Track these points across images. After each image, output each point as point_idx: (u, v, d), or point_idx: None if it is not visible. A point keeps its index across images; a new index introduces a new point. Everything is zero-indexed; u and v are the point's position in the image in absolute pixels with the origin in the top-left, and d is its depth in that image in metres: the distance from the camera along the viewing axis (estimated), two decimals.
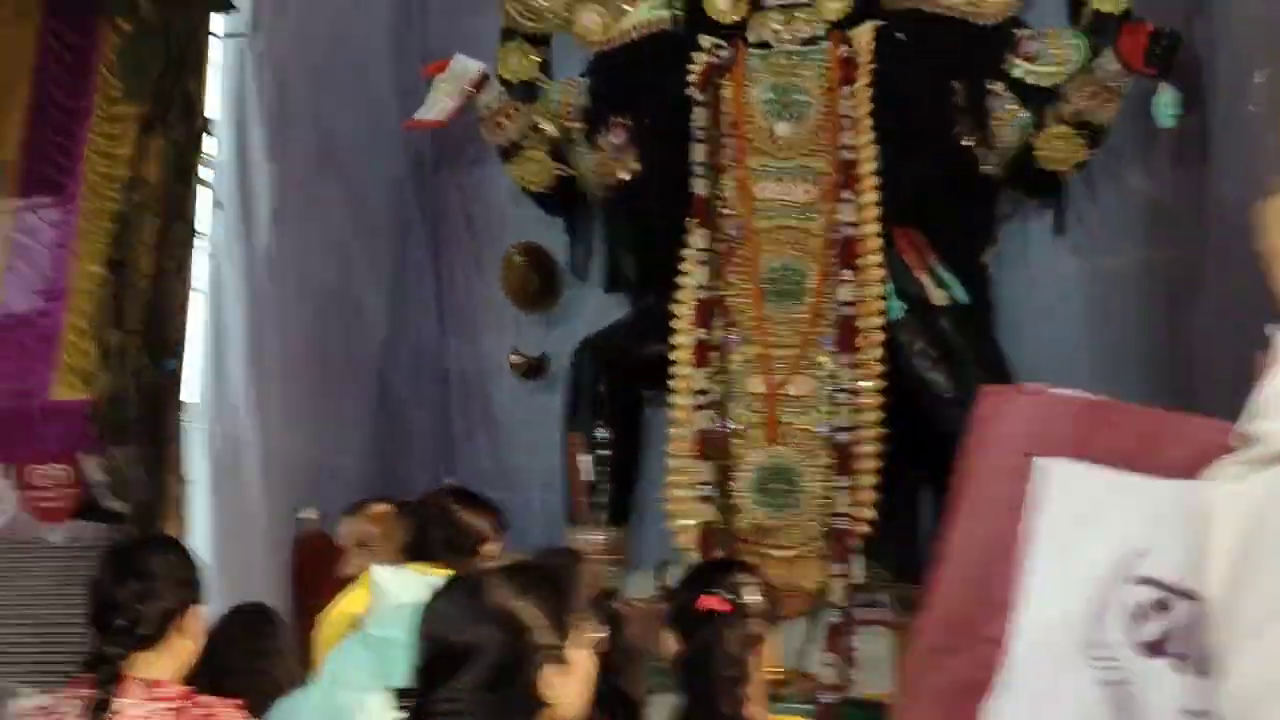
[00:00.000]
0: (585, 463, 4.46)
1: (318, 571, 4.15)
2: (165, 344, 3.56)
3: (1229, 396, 4.42)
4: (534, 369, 5.12)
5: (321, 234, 4.51)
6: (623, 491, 4.62)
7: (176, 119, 3.62)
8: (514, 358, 5.14)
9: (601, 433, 4.62)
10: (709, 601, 1.93)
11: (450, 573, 2.37)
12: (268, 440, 3.98)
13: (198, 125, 3.70)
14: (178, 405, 3.53)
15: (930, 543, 4.41)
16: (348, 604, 2.69)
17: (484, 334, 5.63)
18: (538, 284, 5.12)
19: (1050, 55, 4.62)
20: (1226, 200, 4.39)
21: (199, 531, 3.55)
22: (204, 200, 3.74)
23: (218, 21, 3.79)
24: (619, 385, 4.69)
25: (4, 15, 3.84)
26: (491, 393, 5.60)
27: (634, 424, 4.75)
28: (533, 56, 4.99)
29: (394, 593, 2.33)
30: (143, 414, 3.48)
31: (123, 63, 3.67)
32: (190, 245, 3.64)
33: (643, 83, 4.85)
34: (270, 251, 4.11)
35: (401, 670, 1.99)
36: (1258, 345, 4.49)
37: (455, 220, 5.73)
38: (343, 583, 4.11)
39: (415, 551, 2.63)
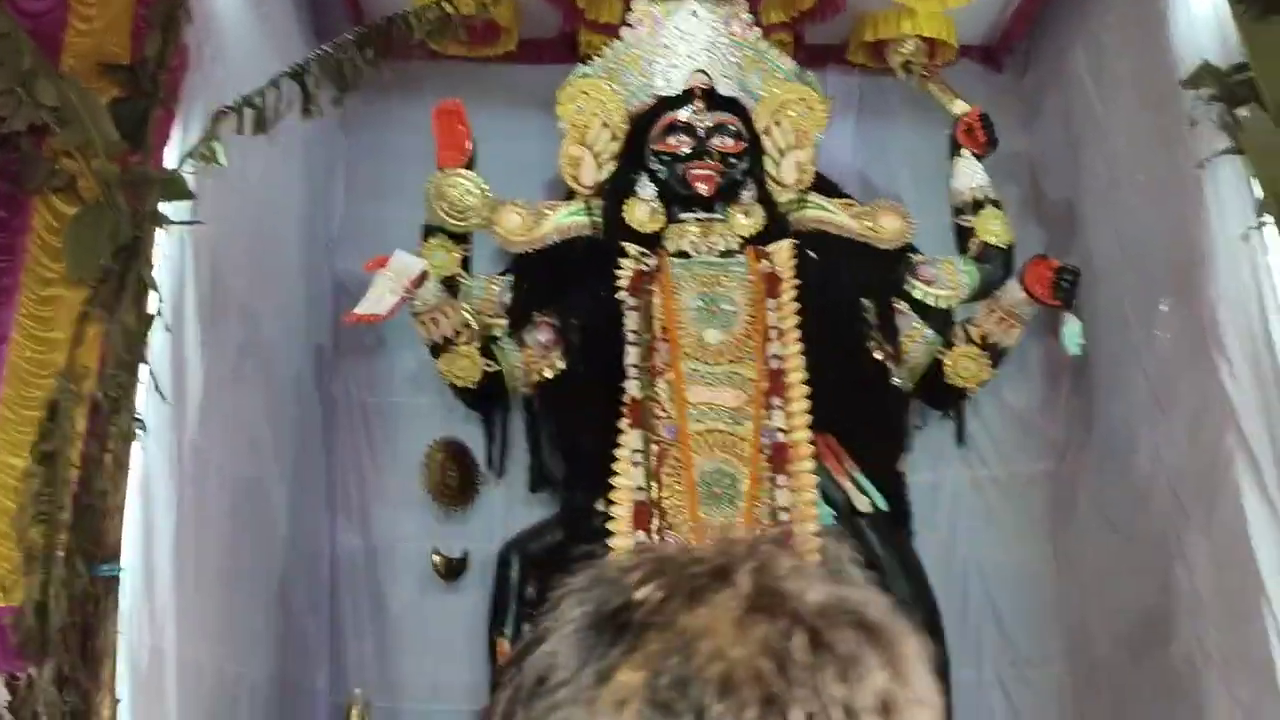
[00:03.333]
0: None
1: None
2: (101, 546, 3.25)
3: (1106, 611, 4.70)
4: (455, 569, 4.95)
5: (235, 427, 4.29)
6: None
7: (126, 305, 3.41)
8: (435, 557, 4.97)
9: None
10: None
11: None
12: (183, 653, 3.65)
13: (146, 313, 3.49)
14: (115, 615, 3.20)
15: None
16: None
17: (376, 528, 5.43)
18: (457, 480, 5.00)
19: (945, 280, 4.99)
20: (1113, 420, 4.74)
21: None
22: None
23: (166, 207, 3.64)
24: (549, 589, 4.54)
25: None
26: (384, 588, 5.36)
27: None
28: (454, 253, 5.00)
29: None
30: (71, 625, 3.14)
31: (67, 244, 3.45)
32: (131, 439, 3.38)
33: (568, 284, 4.92)
34: (196, 447, 3.86)
35: None
36: (1132, 564, 4.80)
37: (351, 411, 5.58)
38: None
39: None
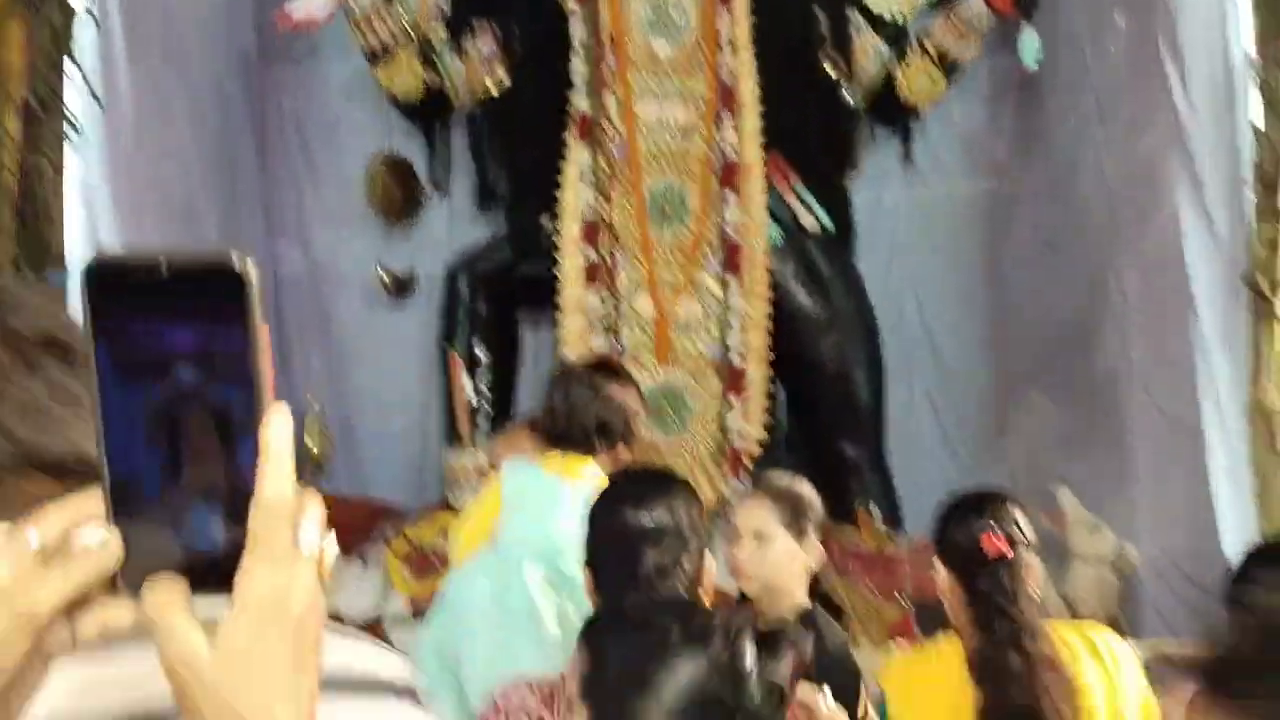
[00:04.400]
0: (466, 381, 4.34)
1: None
2: (46, 255, 3.17)
3: (1034, 324, 4.87)
4: (401, 285, 4.93)
5: (161, 143, 4.12)
6: (503, 414, 4.55)
7: (49, 2, 3.19)
8: (381, 273, 4.92)
9: (481, 352, 4.52)
10: (994, 546, 1.87)
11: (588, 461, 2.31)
12: None
13: (71, 6, 3.27)
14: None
15: (790, 460, 4.64)
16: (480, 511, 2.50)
17: (317, 245, 5.36)
18: (400, 196, 4.90)
19: None
20: (1057, 139, 4.78)
21: None
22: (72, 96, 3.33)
23: None
24: (497, 305, 4.59)
25: None
26: (329, 306, 5.35)
27: (513, 346, 4.67)
28: None
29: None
30: None
31: None
32: (63, 142, 3.24)
33: None
34: (130, 155, 3.72)
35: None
36: (1064, 280, 4.95)
37: (284, 125, 5.38)
38: None
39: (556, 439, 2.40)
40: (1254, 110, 3.51)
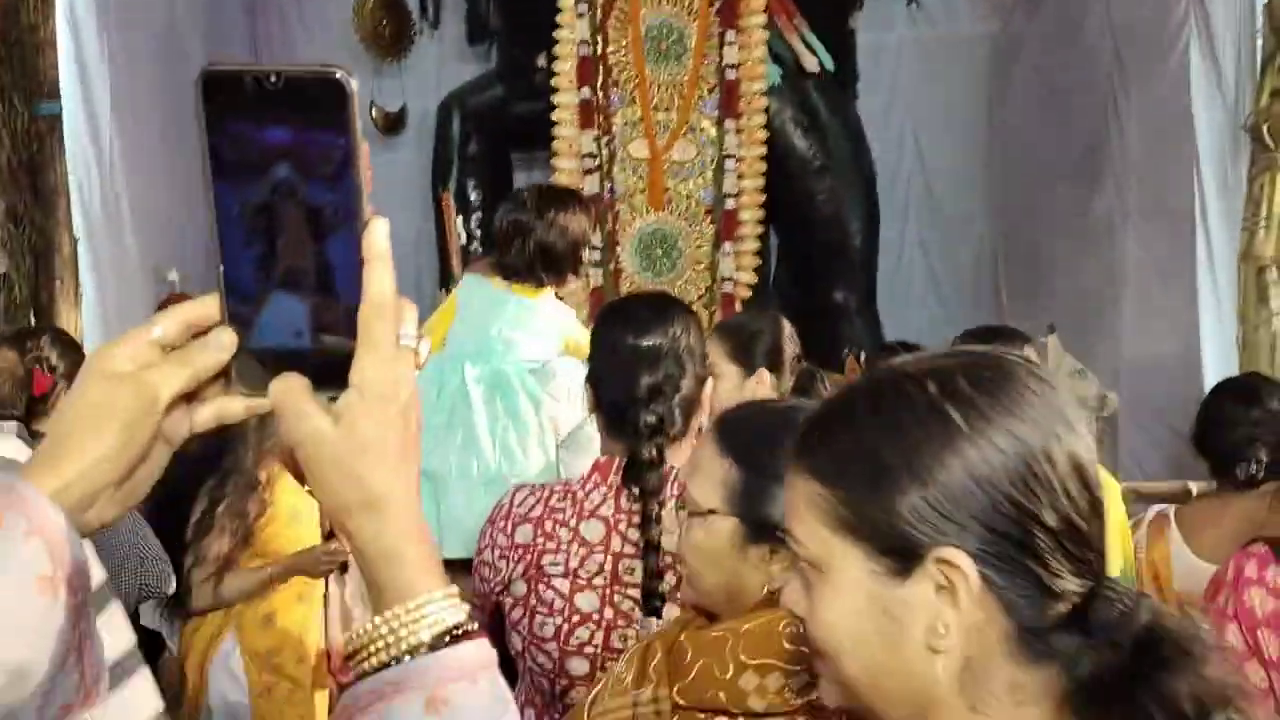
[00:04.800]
0: (459, 223, 4.34)
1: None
2: (37, 84, 3.14)
3: (1033, 170, 4.82)
4: (392, 123, 4.89)
5: None
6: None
7: None
8: (372, 111, 4.87)
9: (474, 193, 4.51)
10: None
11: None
12: (135, 197, 3.64)
13: None
14: (62, 156, 3.15)
15: (779, 305, 4.67)
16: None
17: None
18: (390, 29, 4.82)
19: None
20: None
21: (86, 293, 3.25)
22: None
23: None
24: (489, 145, 4.56)
25: None
26: None
27: (506, 186, 4.65)
28: None
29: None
30: (18, 163, 3.10)
31: None
32: None
33: None
34: None
35: None
36: (1065, 125, 4.87)
37: None
38: None
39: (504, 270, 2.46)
40: None
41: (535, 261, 2.41)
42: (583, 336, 2.44)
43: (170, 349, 0.62)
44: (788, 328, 2.47)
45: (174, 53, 4.24)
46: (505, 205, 2.52)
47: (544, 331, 2.45)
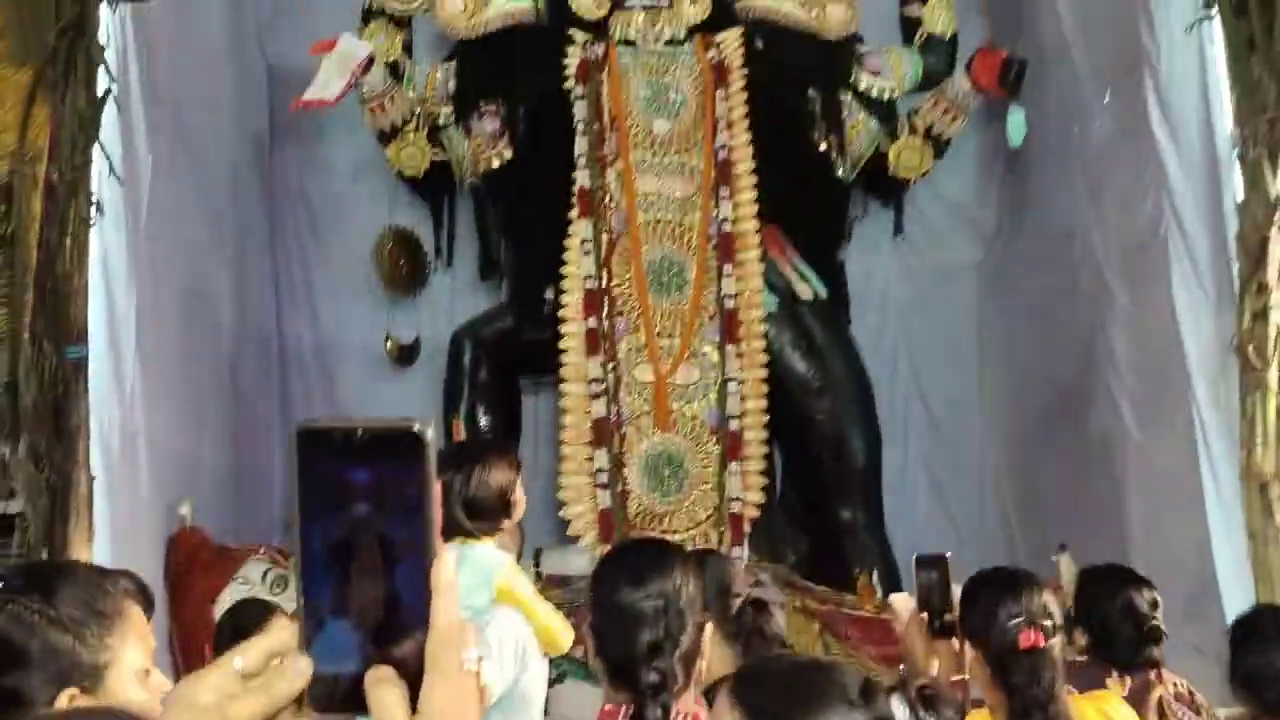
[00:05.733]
0: None
1: (191, 568, 3.95)
2: (67, 328, 3.27)
3: (1026, 388, 4.91)
4: (407, 354, 5.06)
5: (175, 215, 4.24)
6: None
7: (75, 86, 3.33)
8: (387, 343, 5.06)
9: (484, 419, 4.62)
10: (1031, 640, 1.79)
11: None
12: (152, 434, 3.73)
13: (96, 93, 3.41)
14: (85, 394, 3.25)
15: (787, 525, 4.71)
16: None
17: (324, 317, 5.49)
18: (407, 268, 5.05)
19: (890, 70, 5.01)
20: (1046, 210, 4.91)
21: (99, 530, 3.29)
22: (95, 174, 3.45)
23: None
24: (499, 373, 4.70)
25: None
26: (334, 375, 5.46)
27: (514, 412, 4.77)
28: (397, 37, 4.89)
29: None
30: (43, 404, 3.19)
31: (11, 24, 3.32)
32: (88, 221, 3.36)
33: (513, 71, 4.86)
34: (148, 232, 3.84)
35: None
36: (1055, 344, 4.97)
37: (293, 201, 5.54)
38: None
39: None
40: (1236, 184, 3.62)
41: (464, 517, 2.49)
42: (518, 582, 2.52)
43: (251, 677, 0.67)
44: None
45: (198, 299, 4.43)
46: None
47: (478, 580, 2.48)
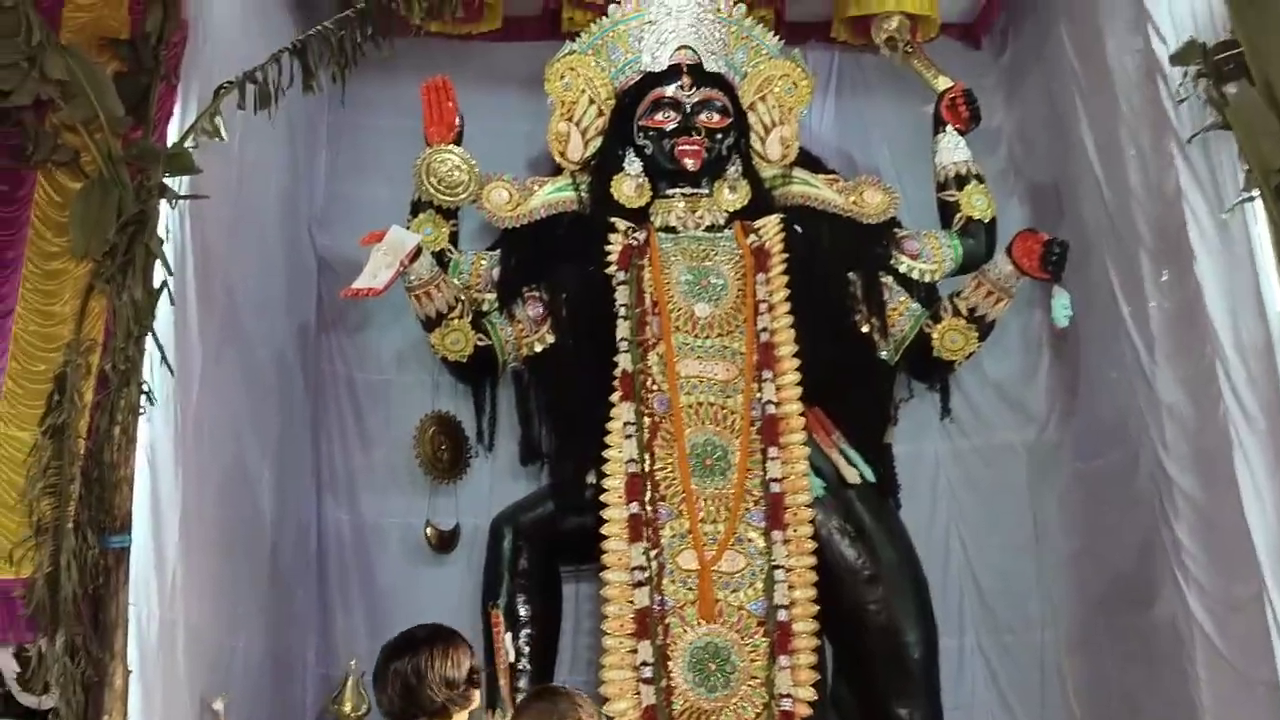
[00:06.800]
0: (508, 641, 4.30)
1: None
2: (111, 517, 3.26)
3: (1086, 574, 4.74)
4: (447, 541, 5.01)
5: (220, 402, 4.28)
6: (544, 672, 4.48)
7: (133, 279, 3.41)
8: (427, 530, 5.02)
9: (524, 609, 4.51)
10: None
11: None
12: (190, 624, 3.67)
13: (152, 286, 3.48)
14: (125, 585, 3.21)
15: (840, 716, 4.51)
16: None
17: (364, 503, 5.45)
18: (449, 454, 5.04)
19: (930, 254, 5.07)
20: (1098, 391, 4.85)
21: None
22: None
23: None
24: (539, 560, 4.62)
25: None
26: (373, 562, 5.39)
27: (555, 601, 4.66)
28: (444, 228, 5.02)
29: None
30: (82, 596, 3.15)
31: (73, 219, 3.44)
32: (138, 410, 3.39)
33: (556, 258, 4.95)
34: (196, 421, 3.86)
35: None
36: (1114, 529, 4.81)
37: (338, 387, 5.58)
38: None
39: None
40: None
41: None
42: None
43: None
44: None
45: (240, 487, 4.43)
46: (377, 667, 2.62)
47: None
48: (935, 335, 4.88)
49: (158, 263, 3.54)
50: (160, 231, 3.59)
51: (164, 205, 3.65)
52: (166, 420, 3.59)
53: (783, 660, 4.21)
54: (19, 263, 3.52)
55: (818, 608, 4.30)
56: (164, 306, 3.61)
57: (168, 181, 3.62)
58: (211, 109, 3.63)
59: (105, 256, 3.44)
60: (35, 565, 3.17)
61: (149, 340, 3.48)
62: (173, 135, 3.67)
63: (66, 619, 3.13)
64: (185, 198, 3.66)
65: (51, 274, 3.50)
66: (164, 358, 3.50)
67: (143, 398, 3.43)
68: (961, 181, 5.11)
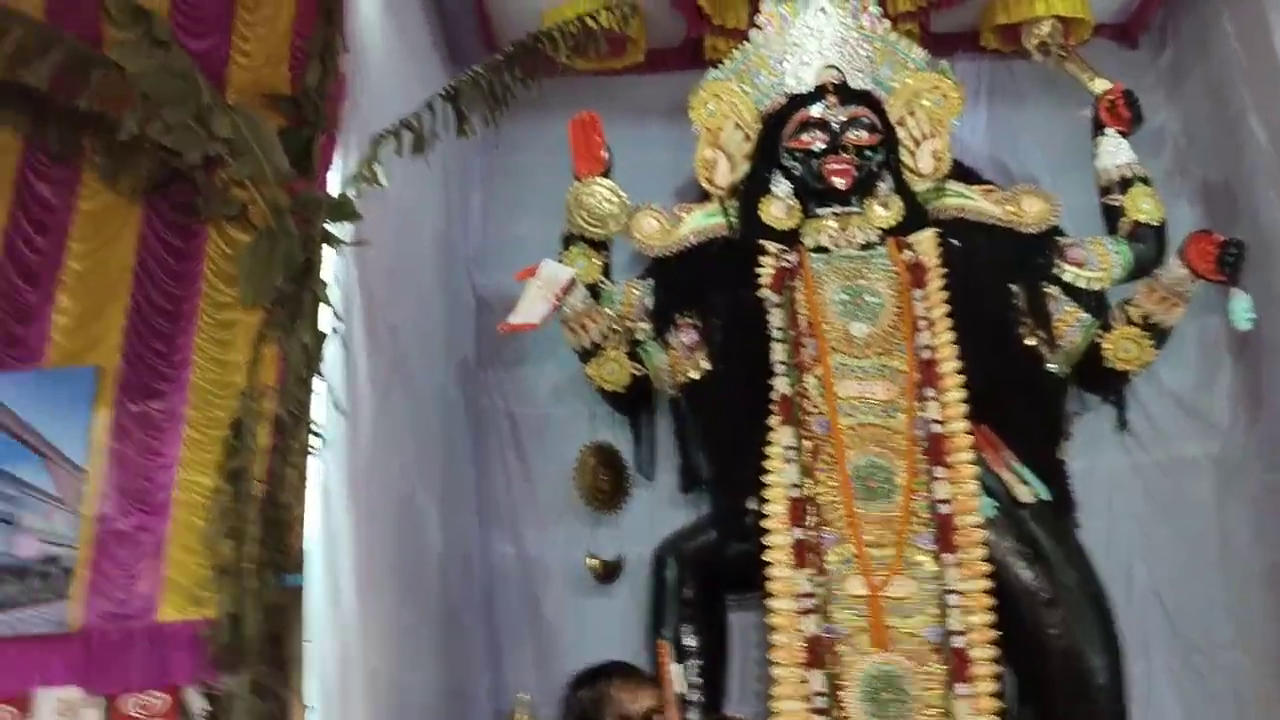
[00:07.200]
0: (676, 672, 4.27)
1: None
2: (287, 557, 3.37)
3: (1274, 591, 4.45)
4: (610, 571, 5.02)
5: (388, 441, 4.38)
6: (713, 703, 4.44)
7: (302, 325, 3.53)
8: (590, 561, 5.04)
9: (690, 640, 4.47)
10: None
11: None
12: (366, 662, 3.75)
13: (320, 330, 3.60)
14: (301, 624, 3.31)
15: None
16: None
17: (527, 536, 5.51)
18: (609, 484, 5.06)
19: (1095, 262, 4.86)
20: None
21: None
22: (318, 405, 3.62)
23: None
24: (704, 590, 4.58)
25: (105, 224, 3.76)
26: (539, 595, 5.43)
27: (721, 631, 4.61)
28: (596, 260, 5.06)
29: None
30: (263, 635, 3.26)
31: (243, 270, 3.58)
32: (311, 452, 3.49)
33: (708, 284, 4.93)
34: (367, 459, 3.97)
35: None
36: None
37: (498, 422, 5.67)
38: None
39: None
40: None
41: None
42: None
43: None
44: None
45: (409, 520, 4.53)
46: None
47: None
48: (1108, 345, 4.68)
49: (324, 308, 3.65)
50: (326, 277, 3.71)
51: (338, 253, 3.78)
52: (338, 461, 3.69)
53: (961, 689, 4.06)
54: (194, 315, 3.68)
55: (996, 634, 4.14)
56: (332, 350, 3.73)
57: (332, 229, 3.74)
58: (371, 156, 3.74)
59: (275, 304, 3.57)
60: (218, 606, 3.29)
61: (319, 383, 3.58)
62: (333, 184, 3.79)
63: (250, 658, 3.23)
64: (350, 244, 3.77)
65: (225, 324, 3.65)
66: (334, 400, 3.60)
67: (314, 439, 3.52)
68: (1126, 185, 4.90)
